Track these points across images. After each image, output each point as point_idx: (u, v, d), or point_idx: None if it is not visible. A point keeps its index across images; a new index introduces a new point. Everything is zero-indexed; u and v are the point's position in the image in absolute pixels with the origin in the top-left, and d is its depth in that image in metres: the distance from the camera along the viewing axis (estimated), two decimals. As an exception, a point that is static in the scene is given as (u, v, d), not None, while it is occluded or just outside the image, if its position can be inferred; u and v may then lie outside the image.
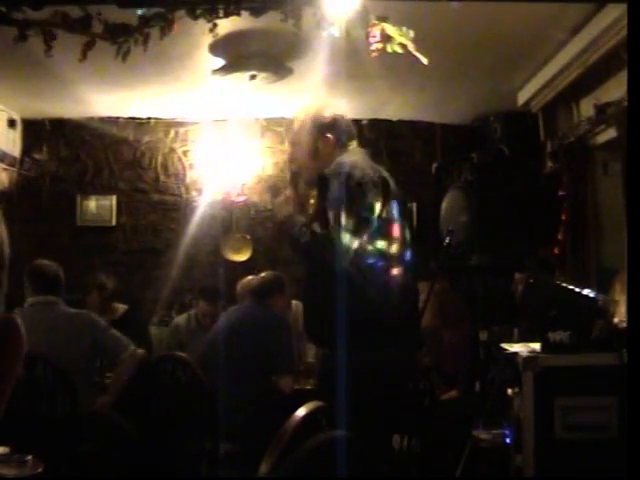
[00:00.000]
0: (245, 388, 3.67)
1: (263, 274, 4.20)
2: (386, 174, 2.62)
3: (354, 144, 2.74)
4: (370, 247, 2.49)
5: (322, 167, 2.68)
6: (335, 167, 2.59)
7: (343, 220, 2.45)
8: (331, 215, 2.50)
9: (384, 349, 2.49)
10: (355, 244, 2.46)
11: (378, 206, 2.50)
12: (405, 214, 2.68)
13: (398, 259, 2.56)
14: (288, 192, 2.75)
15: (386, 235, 2.53)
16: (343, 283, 2.43)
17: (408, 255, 2.60)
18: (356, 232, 2.45)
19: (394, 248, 2.55)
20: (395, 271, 2.55)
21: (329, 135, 2.70)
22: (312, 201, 2.78)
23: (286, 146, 5.92)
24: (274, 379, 3.87)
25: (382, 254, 2.52)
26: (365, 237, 2.48)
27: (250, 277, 4.90)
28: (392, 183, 2.61)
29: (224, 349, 3.74)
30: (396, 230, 2.56)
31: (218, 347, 3.83)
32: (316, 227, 2.55)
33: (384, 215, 2.53)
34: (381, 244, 2.52)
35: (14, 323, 2.45)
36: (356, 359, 2.43)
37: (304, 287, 2.81)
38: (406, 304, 2.62)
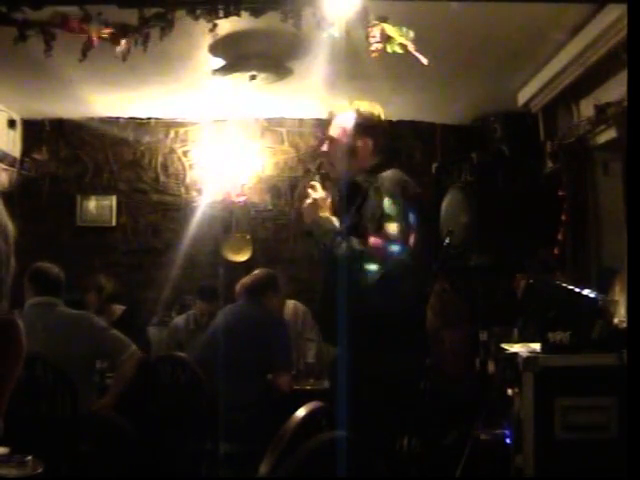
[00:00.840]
0: (243, 387, 3.67)
1: (256, 272, 4.17)
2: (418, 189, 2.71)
3: (380, 147, 2.75)
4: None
5: (355, 170, 2.70)
6: (376, 179, 2.61)
7: (388, 238, 2.50)
8: (373, 230, 2.52)
9: (401, 351, 2.53)
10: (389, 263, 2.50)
11: (416, 223, 2.56)
12: (425, 220, 2.74)
13: (414, 265, 2.60)
14: (317, 195, 2.71)
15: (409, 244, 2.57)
16: (366, 292, 2.49)
17: (422, 259, 2.65)
18: (397, 251, 2.51)
19: (413, 255, 2.58)
20: (410, 276, 2.60)
21: (368, 138, 2.71)
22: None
23: (286, 146, 5.95)
24: (272, 378, 3.87)
25: (405, 264, 2.56)
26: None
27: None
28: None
29: (220, 348, 3.73)
30: (417, 238, 2.60)
31: (214, 347, 3.82)
32: (354, 241, 2.55)
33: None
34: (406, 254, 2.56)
35: (15, 324, 2.44)
36: (372, 360, 2.49)
37: (322, 291, 2.77)
38: (419, 307, 2.67)
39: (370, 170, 2.69)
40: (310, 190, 2.71)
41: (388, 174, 2.65)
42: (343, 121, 2.73)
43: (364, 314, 2.49)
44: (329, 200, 2.72)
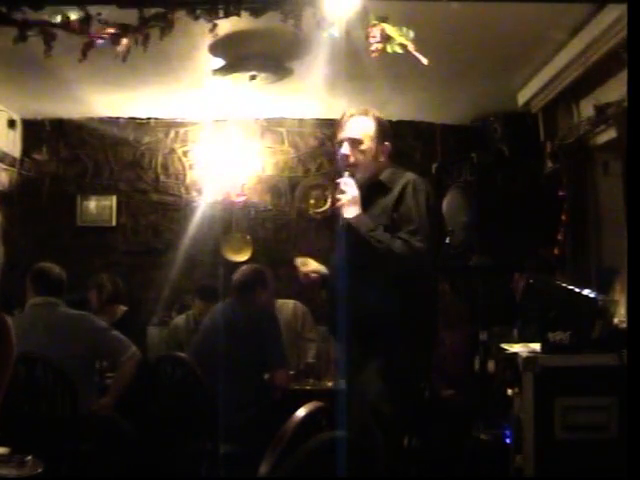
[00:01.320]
0: (238, 386, 3.64)
1: (243, 268, 4.14)
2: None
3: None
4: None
5: (375, 173, 2.83)
6: (403, 179, 2.76)
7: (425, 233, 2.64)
8: (416, 227, 2.64)
9: (411, 350, 2.60)
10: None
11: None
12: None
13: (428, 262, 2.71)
14: (353, 191, 2.75)
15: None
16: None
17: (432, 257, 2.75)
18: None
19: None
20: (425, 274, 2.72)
21: (387, 143, 2.87)
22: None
23: (286, 146, 5.95)
24: (269, 377, 3.86)
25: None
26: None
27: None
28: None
29: (212, 348, 3.72)
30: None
31: (206, 346, 3.81)
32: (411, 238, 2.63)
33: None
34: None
35: (2, 321, 2.44)
36: (383, 359, 2.57)
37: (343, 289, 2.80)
38: (431, 305, 2.73)
39: (390, 171, 2.85)
40: (344, 187, 2.75)
41: (412, 175, 2.81)
42: (365, 124, 2.84)
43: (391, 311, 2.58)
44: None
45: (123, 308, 4.91)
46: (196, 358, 3.76)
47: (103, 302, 4.79)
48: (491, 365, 3.60)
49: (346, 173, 2.79)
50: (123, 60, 2.96)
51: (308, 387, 4.15)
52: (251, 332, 3.80)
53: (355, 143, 2.81)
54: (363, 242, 2.64)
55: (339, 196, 2.74)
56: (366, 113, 2.85)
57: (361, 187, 2.76)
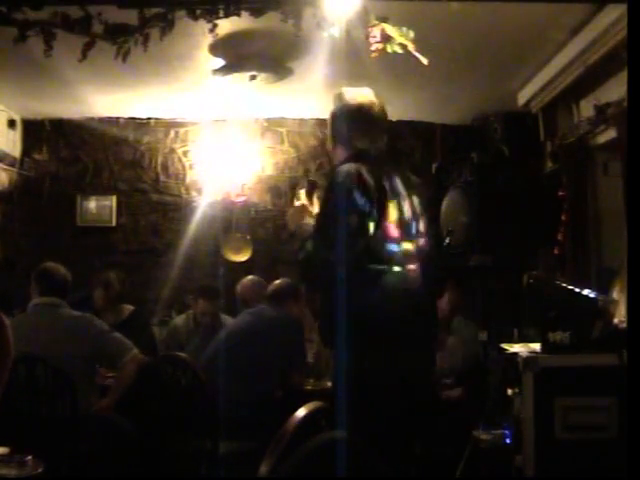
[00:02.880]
0: (256, 387, 3.74)
1: (278, 282, 4.25)
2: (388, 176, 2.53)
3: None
4: (375, 248, 2.41)
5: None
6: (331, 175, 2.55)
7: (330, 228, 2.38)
8: (321, 224, 2.47)
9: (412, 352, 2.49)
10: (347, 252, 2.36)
11: (366, 210, 2.40)
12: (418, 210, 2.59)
13: (411, 258, 2.50)
14: (303, 200, 2.72)
15: (392, 235, 2.45)
16: (346, 291, 2.35)
17: (423, 253, 2.55)
18: (345, 241, 2.36)
19: (406, 248, 2.49)
20: (408, 272, 2.48)
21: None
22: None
23: (286, 146, 5.95)
24: (288, 374, 3.99)
25: (390, 255, 2.44)
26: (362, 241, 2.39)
27: (250, 277, 4.91)
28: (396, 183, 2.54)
29: (238, 349, 3.81)
30: (402, 230, 2.49)
31: (231, 347, 3.87)
32: (309, 244, 2.48)
33: (387, 217, 2.44)
34: (389, 244, 2.44)
35: (1, 320, 2.44)
36: (380, 361, 2.43)
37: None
38: (421, 305, 2.58)
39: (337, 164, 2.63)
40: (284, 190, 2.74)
41: (338, 167, 2.55)
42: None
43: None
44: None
45: (130, 307, 4.90)
46: (212, 360, 3.84)
47: (110, 301, 4.78)
48: (491, 365, 3.59)
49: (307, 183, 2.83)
50: (123, 60, 2.96)
51: (308, 387, 4.15)
52: (282, 337, 3.93)
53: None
54: None
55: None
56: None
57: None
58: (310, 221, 2.64)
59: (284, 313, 4.06)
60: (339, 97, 2.70)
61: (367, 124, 2.62)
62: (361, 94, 2.67)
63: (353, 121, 2.61)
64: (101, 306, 4.70)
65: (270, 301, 4.12)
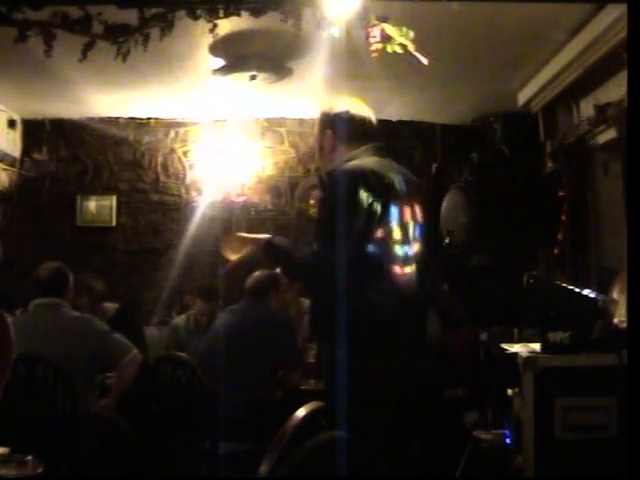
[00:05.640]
0: (250, 387, 3.68)
1: (257, 274, 4.17)
2: (395, 177, 2.50)
3: (364, 143, 2.59)
4: (374, 249, 2.40)
5: (327, 166, 2.62)
6: (331, 171, 2.52)
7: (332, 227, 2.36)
8: (323, 222, 2.47)
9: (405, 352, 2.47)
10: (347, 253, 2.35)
11: (372, 210, 2.38)
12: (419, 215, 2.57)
13: (407, 259, 2.49)
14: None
15: (391, 237, 2.43)
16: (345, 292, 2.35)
17: (418, 255, 2.53)
18: (347, 241, 2.35)
19: (403, 249, 2.47)
20: (404, 272, 2.47)
21: (329, 131, 2.63)
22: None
23: (286, 146, 5.96)
24: (282, 375, 3.93)
25: (389, 256, 2.43)
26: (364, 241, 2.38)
27: (261, 271, 4.87)
28: (401, 185, 2.49)
29: (226, 349, 3.74)
30: (403, 231, 2.47)
31: (219, 347, 3.83)
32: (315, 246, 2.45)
33: (388, 218, 2.42)
34: (389, 246, 2.43)
35: (3, 320, 2.44)
36: (375, 361, 2.42)
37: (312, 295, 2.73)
38: (414, 305, 2.57)
39: (336, 163, 2.60)
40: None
41: (339, 166, 2.53)
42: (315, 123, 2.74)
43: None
44: None
45: (114, 305, 4.89)
46: (205, 358, 3.78)
47: (93, 303, 4.76)
48: (491, 365, 3.59)
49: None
50: (123, 60, 2.96)
51: (308, 387, 4.14)
52: (266, 336, 3.83)
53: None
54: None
55: None
56: (320, 112, 2.71)
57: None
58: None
59: (267, 310, 3.94)
60: (333, 102, 2.70)
61: (369, 124, 2.64)
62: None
63: (354, 119, 2.61)
64: (86, 310, 4.66)
65: (251, 295, 3.98)
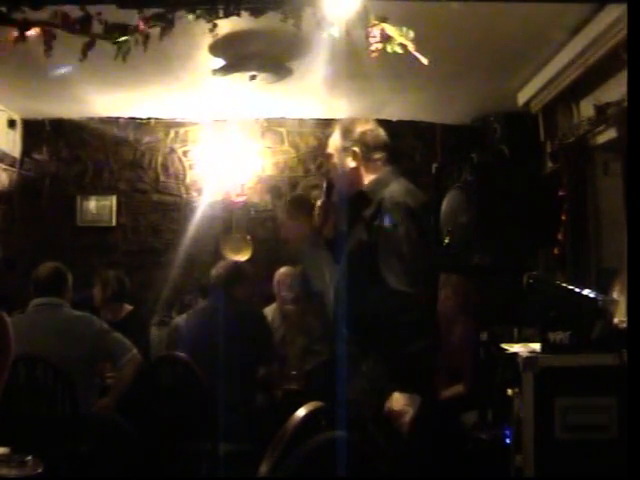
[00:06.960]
0: (229, 386, 3.65)
1: (220, 265, 4.13)
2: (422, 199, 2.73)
3: (382, 157, 2.79)
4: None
5: (351, 182, 2.77)
6: (383, 192, 2.66)
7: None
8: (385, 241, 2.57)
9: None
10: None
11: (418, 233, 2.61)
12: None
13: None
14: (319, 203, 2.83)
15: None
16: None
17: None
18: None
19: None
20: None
21: (356, 149, 2.76)
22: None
23: (286, 146, 5.96)
24: (262, 373, 3.92)
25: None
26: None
27: (286, 267, 4.86)
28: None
29: (201, 349, 3.74)
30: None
31: (196, 348, 3.80)
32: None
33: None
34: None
35: (2, 319, 2.44)
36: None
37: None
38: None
39: (376, 180, 2.79)
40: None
41: (396, 186, 2.74)
42: (334, 139, 2.85)
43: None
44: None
45: (128, 307, 4.91)
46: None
47: (106, 299, 4.79)
48: (491, 365, 3.59)
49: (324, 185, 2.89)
50: (123, 60, 2.96)
51: (293, 387, 4.13)
52: (238, 331, 3.80)
53: (328, 156, 2.87)
54: None
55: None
56: (341, 128, 2.84)
57: (344, 199, 2.81)
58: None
59: (234, 305, 3.89)
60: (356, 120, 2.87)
61: (389, 144, 2.82)
62: None
63: (379, 138, 2.79)
64: (99, 303, 4.73)
65: (215, 288, 3.96)
